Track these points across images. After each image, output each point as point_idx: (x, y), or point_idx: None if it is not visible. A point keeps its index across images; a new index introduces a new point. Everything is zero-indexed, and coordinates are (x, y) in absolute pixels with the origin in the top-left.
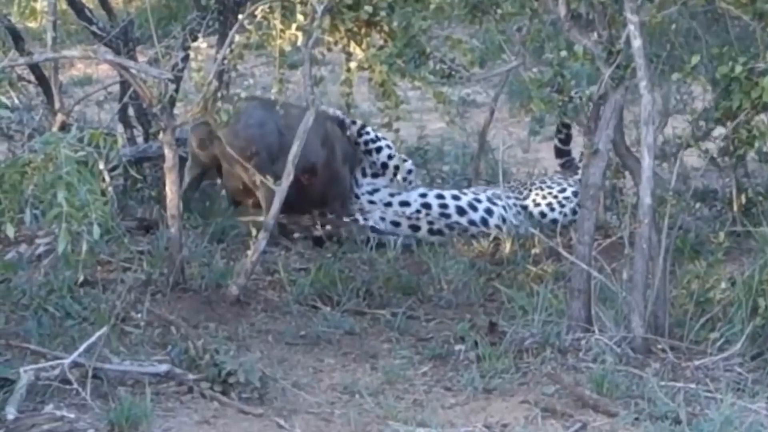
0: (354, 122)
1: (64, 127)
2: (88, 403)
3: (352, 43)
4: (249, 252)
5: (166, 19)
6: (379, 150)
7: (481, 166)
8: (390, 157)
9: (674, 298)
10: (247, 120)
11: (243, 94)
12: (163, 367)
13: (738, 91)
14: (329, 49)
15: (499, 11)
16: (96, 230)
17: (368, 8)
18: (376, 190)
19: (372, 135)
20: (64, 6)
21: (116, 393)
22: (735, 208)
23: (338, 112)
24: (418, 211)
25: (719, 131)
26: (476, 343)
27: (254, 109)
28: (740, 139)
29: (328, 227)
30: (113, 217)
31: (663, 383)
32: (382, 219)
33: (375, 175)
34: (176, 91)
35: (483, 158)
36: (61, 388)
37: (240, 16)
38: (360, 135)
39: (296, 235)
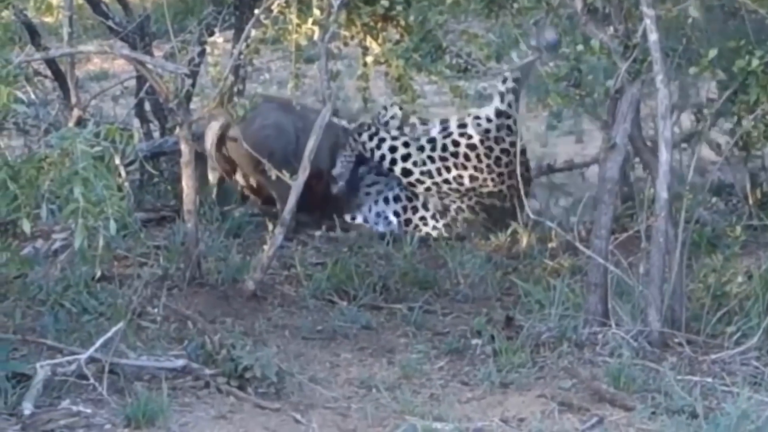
0: (360, 133)
1: (81, 122)
2: (105, 398)
3: (369, 38)
4: (265, 247)
5: (183, 13)
6: (382, 158)
7: None
8: (393, 161)
9: (691, 292)
10: (263, 121)
11: (259, 89)
12: (180, 362)
13: (755, 84)
14: (346, 44)
15: (516, 5)
16: (112, 225)
17: (384, 3)
18: (375, 183)
19: (373, 144)
20: (80, 1)
21: (133, 388)
22: (751, 201)
23: (343, 122)
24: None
25: (728, 124)
26: (493, 337)
27: (271, 111)
28: (752, 134)
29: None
30: (130, 212)
31: (680, 377)
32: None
33: (379, 174)
34: (192, 85)
35: None
36: (78, 384)
37: (256, 11)
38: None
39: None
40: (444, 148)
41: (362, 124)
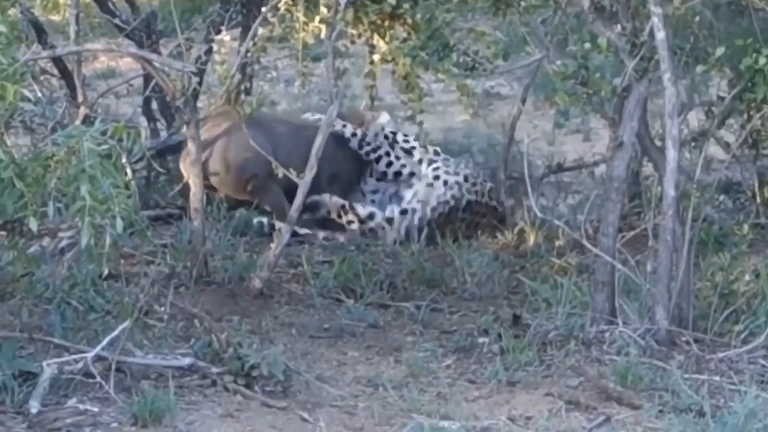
0: (354, 134)
1: (87, 120)
2: (112, 396)
3: (376, 36)
4: (272, 245)
5: (189, 11)
6: (378, 159)
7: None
8: (389, 164)
9: (698, 290)
10: (239, 145)
11: (266, 87)
12: (187, 361)
13: (762, 83)
14: (352, 42)
15: (523, 3)
16: (119, 223)
17: (392, 1)
18: (377, 191)
19: (372, 146)
20: None
21: (139, 386)
22: (758, 200)
23: (338, 123)
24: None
25: (738, 122)
26: (500, 335)
27: (239, 136)
28: (761, 132)
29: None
30: (137, 210)
31: (687, 376)
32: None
33: (379, 179)
34: (200, 84)
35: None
36: (85, 382)
37: (263, 9)
38: (360, 147)
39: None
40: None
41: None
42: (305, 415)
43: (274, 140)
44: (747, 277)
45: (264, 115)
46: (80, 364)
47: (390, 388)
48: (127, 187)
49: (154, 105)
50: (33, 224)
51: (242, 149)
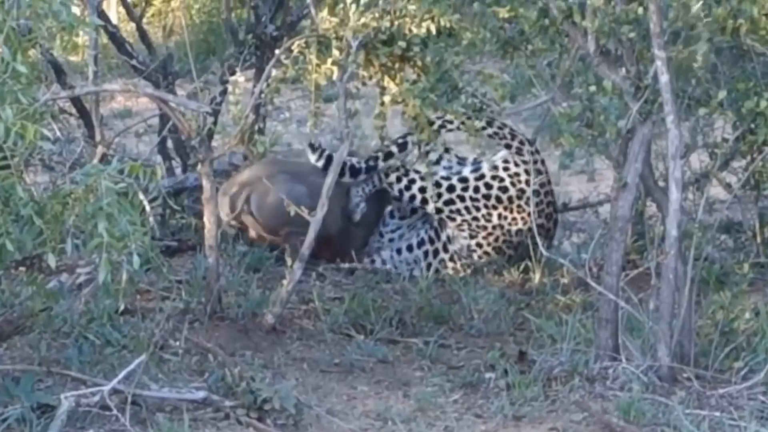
0: (387, 174)
1: (105, 159)
2: (127, 429)
3: (386, 78)
4: (284, 281)
5: (205, 53)
6: (412, 198)
7: None
8: (424, 201)
9: (699, 327)
10: (277, 196)
11: (279, 127)
12: (201, 394)
13: (763, 125)
14: (364, 84)
15: (530, 47)
16: (136, 260)
17: (402, 43)
18: (398, 228)
19: (402, 185)
20: (105, 40)
21: (155, 419)
22: (759, 239)
23: (354, 160)
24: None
25: (740, 164)
26: (506, 371)
27: (285, 182)
28: (763, 174)
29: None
30: (152, 247)
31: (688, 411)
32: (398, 251)
33: (402, 218)
34: (214, 123)
35: None
36: (101, 414)
37: (277, 51)
38: (391, 186)
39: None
40: (476, 189)
41: (390, 166)
42: None
43: (312, 190)
44: (747, 316)
45: (303, 165)
46: (97, 397)
47: (399, 422)
48: (143, 224)
49: (170, 144)
50: (51, 260)
51: (281, 198)
